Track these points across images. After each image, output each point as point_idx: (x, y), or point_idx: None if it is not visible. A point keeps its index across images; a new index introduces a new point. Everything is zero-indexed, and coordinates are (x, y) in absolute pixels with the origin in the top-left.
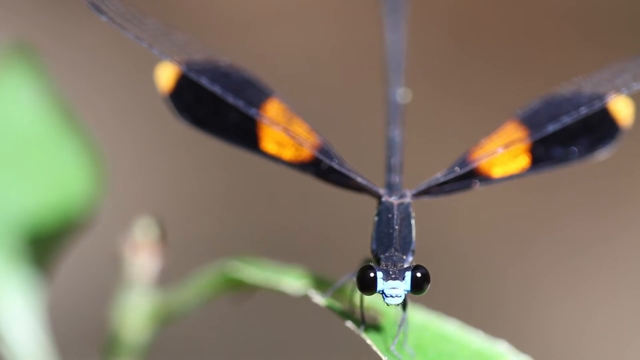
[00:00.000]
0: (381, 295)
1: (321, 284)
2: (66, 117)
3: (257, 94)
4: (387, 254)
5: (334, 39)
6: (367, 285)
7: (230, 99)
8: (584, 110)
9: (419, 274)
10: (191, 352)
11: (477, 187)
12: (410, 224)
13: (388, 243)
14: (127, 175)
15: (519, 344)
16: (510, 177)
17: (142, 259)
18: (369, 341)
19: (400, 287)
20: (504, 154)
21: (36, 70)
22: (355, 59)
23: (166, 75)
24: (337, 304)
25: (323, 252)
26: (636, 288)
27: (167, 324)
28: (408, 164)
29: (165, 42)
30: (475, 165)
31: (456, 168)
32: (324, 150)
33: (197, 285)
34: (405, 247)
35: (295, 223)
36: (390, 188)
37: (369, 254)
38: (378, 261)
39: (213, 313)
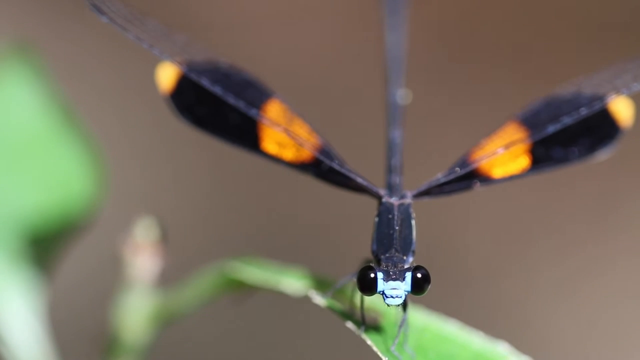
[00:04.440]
0: (381, 295)
1: (321, 285)
2: (66, 117)
3: (257, 95)
4: (387, 255)
5: (335, 40)
6: (368, 286)
7: (231, 99)
8: (584, 111)
9: (419, 275)
10: (191, 353)
11: (478, 187)
12: (410, 225)
13: (388, 244)
14: (127, 176)
15: (519, 345)
16: (511, 178)
17: (143, 259)
18: (369, 342)
19: (400, 288)
20: (505, 155)
21: (36, 70)
22: (355, 60)
23: (167, 75)
24: (338, 305)
25: (323, 253)
26: (637, 289)
27: (167, 325)
28: (408, 164)
29: (166, 43)
30: (475, 165)
31: (457, 168)
32: (324, 151)
33: (198, 286)
34: (406, 247)
35: (296, 223)
36: (391, 189)
37: (369, 255)
38: (378, 262)
39: (213, 313)
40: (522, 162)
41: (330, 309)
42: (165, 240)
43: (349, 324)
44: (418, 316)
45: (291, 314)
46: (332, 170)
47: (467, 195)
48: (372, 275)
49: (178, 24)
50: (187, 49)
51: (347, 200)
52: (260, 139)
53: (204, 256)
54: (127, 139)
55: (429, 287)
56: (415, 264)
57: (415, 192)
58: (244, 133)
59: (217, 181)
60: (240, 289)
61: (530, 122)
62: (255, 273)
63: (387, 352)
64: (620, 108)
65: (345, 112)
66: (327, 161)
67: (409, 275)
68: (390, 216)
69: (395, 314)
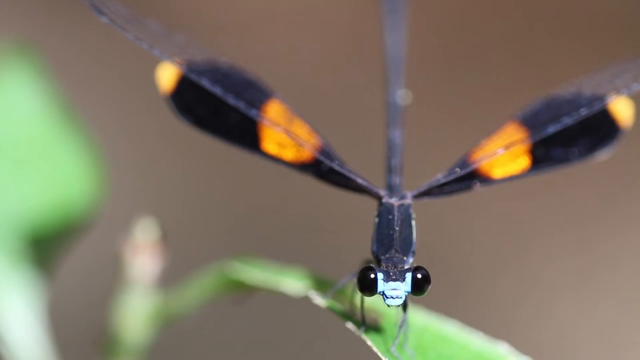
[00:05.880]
0: (382, 296)
1: (322, 285)
2: (67, 118)
3: (257, 95)
4: (387, 255)
5: (335, 40)
6: (368, 287)
7: (231, 100)
8: (584, 111)
9: (419, 275)
10: (191, 353)
11: (478, 187)
12: (410, 225)
13: (389, 244)
14: (127, 176)
15: (519, 345)
16: (511, 178)
17: (143, 259)
18: (369, 342)
19: (400, 288)
20: (505, 155)
21: (37, 70)
22: (355, 60)
23: (167, 75)
24: (338, 305)
25: (323, 253)
26: (637, 286)
27: (167, 325)
28: (408, 165)
29: (166, 43)
30: (475, 166)
31: (457, 169)
32: (324, 151)
33: (198, 286)
34: (406, 248)
35: (296, 224)
36: (391, 189)
37: (369, 255)
38: (378, 262)
39: (213, 314)
40: (522, 162)
41: (330, 309)
42: (165, 240)
43: (349, 325)
44: (418, 316)
45: (291, 314)
46: (332, 170)
47: (468, 196)
48: (372, 275)
49: (178, 24)
50: (187, 49)
51: (347, 201)
52: (261, 139)
53: (204, 256)
54: (127, 139)
55: (429, 287)
56: (415, 265)
57: (415, 192)
58: (244, 133)
59: (217, 181)
60: (241, 289)
61: (530, 122)
62: (256, 273)
63: (387, 352)
64: (620, 108)
65: (346, 112)
66: (327, 161)
67: (409, 275)
68: (390, 217)
69: (395, 314)
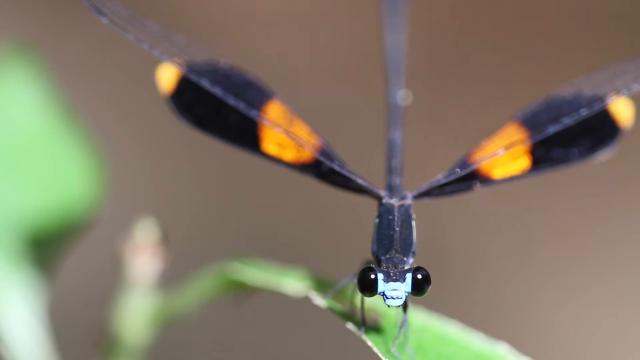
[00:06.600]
0: (382, 296)
1: (322, 286)
2: (68, 118)
3: (258, 96)
4: (387, 256)
5: (335, 40)
6: (368, 287)
7: (231, 100)
8: (584, 112)
9: (419, 276)
10: (191, 353)
11: (478, 188)
12: (411, 226)
13: (389, 245)
14: (128, 176)
15: (519, 346)
16: (511, 179)
17: (143, 260)
18: (369, 343)
19: (401, 289)
20: (505, 156)
21: (38, 70)
22: (356, 60)
23: (167, 76)
24: (338, 306)
25: (324, 254)
26: (636, 285)
27: (167, 325)
28: (409, 165)
29: (166, 44)
30: (476, 166)
31: (457, 169)
32: (324, 152)
33: (198, 287)
34: (406, 248)
35: (296, 224)
36: (391, 190)
37: (369, 256)
38: (379, 263)
39: (214, 314)
40: (523, 162)
41: (330, 310)
42: (166, 241)
43: (350, 325)
44: (418, 317)
45: (291, 315)
46: (332, 171)
47: (468, 196)
48: (373, 276)
49: (178, 25)
50: (187, 49)
51: (347, 201)
52: (261, 139)
53: (205, 257)
54: (128, 139)
55: (429, 288)
56: (415, 265)
57: (415, 192)
58: (245, 134)
59: (218, 182)
60: (241, 290)
61: (530, 122)
62: (256, 274)
63: (388, 353)
64: (621, 108)
65: (346, 112)
66: (327, 162)
67: (409, 276)
68: (390, 217)
69: (395, 315)
